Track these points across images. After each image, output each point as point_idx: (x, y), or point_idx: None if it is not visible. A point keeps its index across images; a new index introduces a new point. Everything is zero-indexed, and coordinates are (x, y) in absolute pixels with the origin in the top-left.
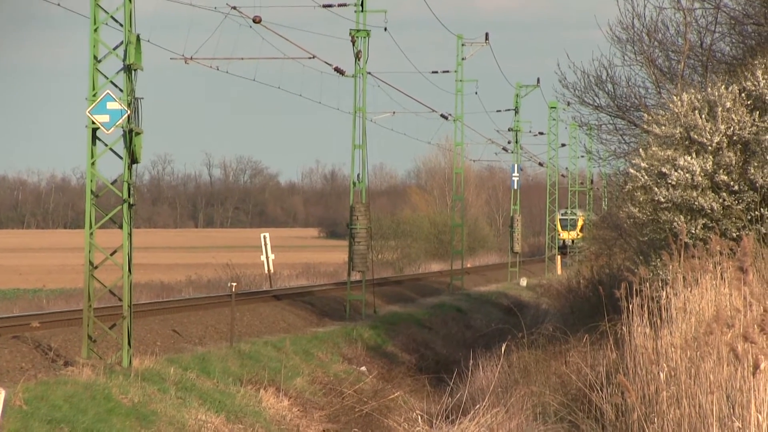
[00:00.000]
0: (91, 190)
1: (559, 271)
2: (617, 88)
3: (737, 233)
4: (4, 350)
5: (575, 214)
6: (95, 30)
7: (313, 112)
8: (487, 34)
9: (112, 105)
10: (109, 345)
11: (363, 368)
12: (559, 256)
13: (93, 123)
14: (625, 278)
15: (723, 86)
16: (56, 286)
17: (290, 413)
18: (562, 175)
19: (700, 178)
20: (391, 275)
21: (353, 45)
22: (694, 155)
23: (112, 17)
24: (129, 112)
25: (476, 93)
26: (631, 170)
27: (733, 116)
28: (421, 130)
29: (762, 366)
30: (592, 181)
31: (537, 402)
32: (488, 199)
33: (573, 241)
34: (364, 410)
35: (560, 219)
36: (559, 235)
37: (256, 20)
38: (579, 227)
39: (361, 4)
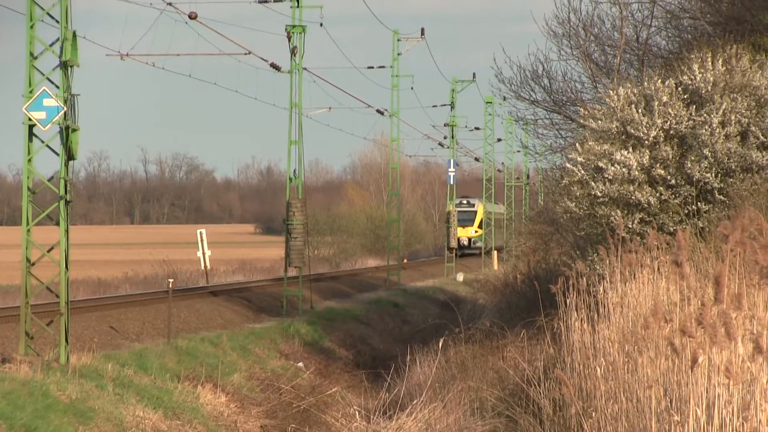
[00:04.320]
0: (28, 187)
1: (495, 267)
2: (553, 82)
3: (674, 227)
4: None
5: (472, 205)
6: (31, 27)
7: (249, 108)
8: (422, 30)
9: (48, 102)
10: (46, 342)
11: (300, 364)
12: (495, 252)
13: (29, 120)
14: (561, 273)
15: (659, 80)
16: None
17: (228, 409)
18: (499, 170)
19: (636, 173)
20: (328, 271)
21: (289, 41)
22: (630, 149)
23: (48, 14)
24: (65, 108)
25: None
26: (568, 165)
27: (670, 110)
28: (357, 125)
29: (700, 360)
30: (528, 176)
31: (474, 397)
32: (424, 194)
33: (470, 240)
34: (301, 406)
35: (457, 212)
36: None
37: (192, 16)
38: (477, 223)
39: (297, 0)
